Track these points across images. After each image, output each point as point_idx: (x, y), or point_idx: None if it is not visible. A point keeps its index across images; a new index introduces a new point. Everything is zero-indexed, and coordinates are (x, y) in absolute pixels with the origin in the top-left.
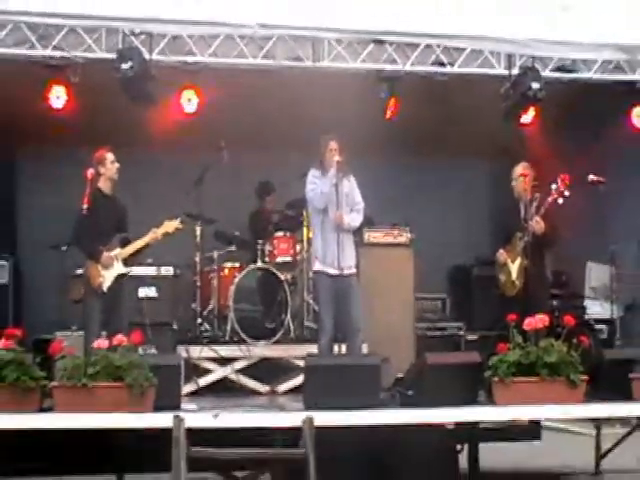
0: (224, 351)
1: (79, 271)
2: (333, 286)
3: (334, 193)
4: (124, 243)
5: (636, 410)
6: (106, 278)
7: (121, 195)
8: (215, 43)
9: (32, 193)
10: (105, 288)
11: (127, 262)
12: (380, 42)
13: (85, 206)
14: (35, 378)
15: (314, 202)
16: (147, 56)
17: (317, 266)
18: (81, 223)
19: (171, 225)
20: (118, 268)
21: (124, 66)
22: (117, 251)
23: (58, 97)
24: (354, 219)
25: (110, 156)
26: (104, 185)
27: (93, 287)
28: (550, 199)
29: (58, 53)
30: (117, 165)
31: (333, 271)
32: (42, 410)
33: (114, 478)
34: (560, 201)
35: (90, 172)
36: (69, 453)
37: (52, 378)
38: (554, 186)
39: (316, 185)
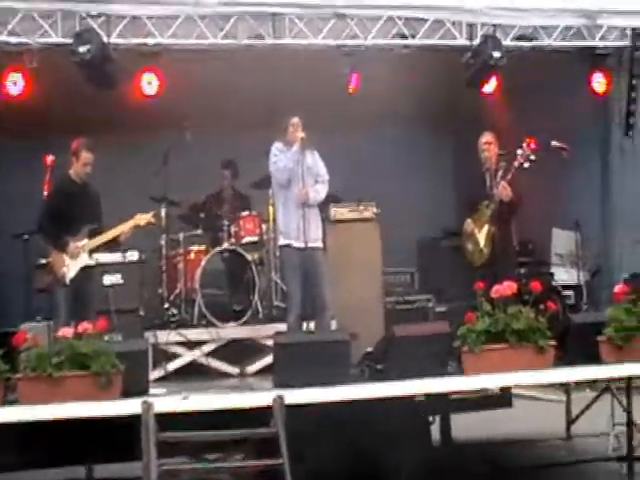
0: (192, 335)
1: (44, 260)
2: (300, 261)
3: (298, 168)
4: (93, 233)
5: (604, 372)
6: (70, 269)
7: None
8: (175, 24)
9: None
10: (68, 279)
11: (94, 252)
12: (342, 16)
13: (45, 193)
14: None
15: (277, 176)
16: (105, 39)
17: (282, 240)
18: (46, 211)
19: (143, 218)
20: (84, 259)
21: (81, 49)
22: (84, 242)
23: (15, 83)
24: (319, 191)
25: (85, 157)
26: (75, 174)
27: (57, 277)
28: (516, 163)
29: (14, 39)
30: (88, 170)
31: (298, 244)
32: (6, 403)
33: (83, 470)
34: (526, 165)
35: (50, 159)
36: (36, 446)
37: (17, 371)
38: (520, 151)
39: (278, 158)
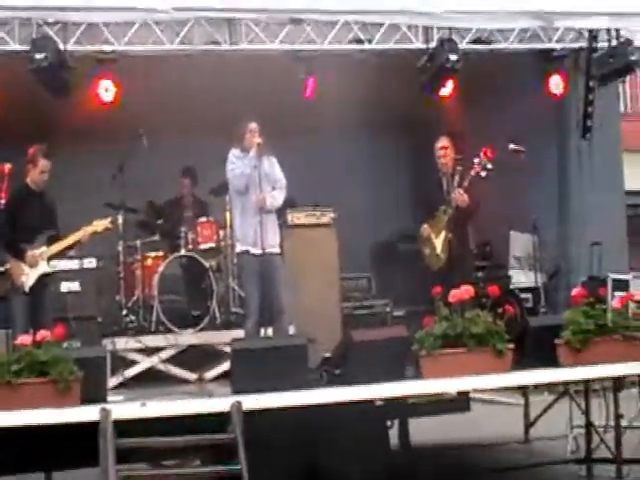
0: (150, 341)
1: (0, 268)
2: (257, 267)
3: (255, 174)
4: (51, 240)
5: (562, 375)
6: (29, 277)
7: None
8: (131, 31)
9: None
10: (27, 288)
11: (52, 259)
12: (298, 21)
13: (2, 201)
14: None
15: (234, 183)
16: (62, 46)
17: (239, 247)
18: (3, 220)
19: (101, 224)
20: (42, 267)
21: (38, 56)
22: (43, 249)
23: None
24: (276, 197)
25: (42, 164)
26: (32, 181)
27: (16, 285)
28: (473, 172)
29: None
30: (45, 177)
31: (255, 250)
32: None
33: (42, 477)
34: (483, 174)
35: (7, 167)
36: None
37: None
38: (477, 160)
39: (235, 165)
